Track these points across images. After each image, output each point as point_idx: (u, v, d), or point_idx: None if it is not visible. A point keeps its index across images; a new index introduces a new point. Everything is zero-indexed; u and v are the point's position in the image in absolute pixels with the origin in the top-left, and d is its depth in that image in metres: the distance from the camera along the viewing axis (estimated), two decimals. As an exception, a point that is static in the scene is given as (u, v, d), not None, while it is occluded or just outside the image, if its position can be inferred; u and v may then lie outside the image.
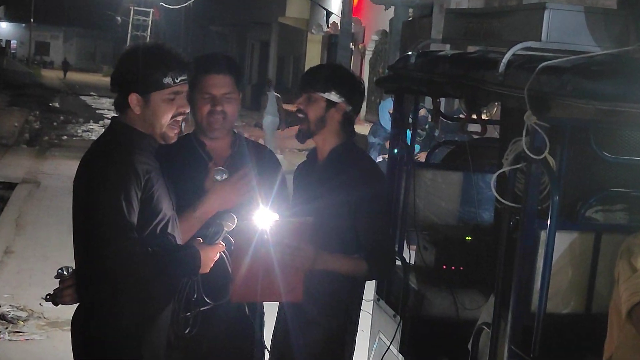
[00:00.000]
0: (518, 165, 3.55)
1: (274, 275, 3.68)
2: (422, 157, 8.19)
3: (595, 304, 3.59)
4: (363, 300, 4.21)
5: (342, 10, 20.27)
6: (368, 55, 25.20)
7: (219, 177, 3.89)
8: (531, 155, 3.33)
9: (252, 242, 3.63)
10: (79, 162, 3.47)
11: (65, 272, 3.60)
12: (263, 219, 3.67)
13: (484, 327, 3.88)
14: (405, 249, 5.01)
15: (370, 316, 5.15)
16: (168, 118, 3.49)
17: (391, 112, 9.28)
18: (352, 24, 20.67)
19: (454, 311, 4.62)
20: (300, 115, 4.01)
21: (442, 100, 12.45)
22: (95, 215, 3.30)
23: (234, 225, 3.56)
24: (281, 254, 3.67)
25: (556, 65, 3.23)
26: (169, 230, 3.53)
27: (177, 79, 3.47)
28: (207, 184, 3.86)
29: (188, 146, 4.02)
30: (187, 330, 3.67)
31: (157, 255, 3.35)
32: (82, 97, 40.03)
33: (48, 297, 3.63)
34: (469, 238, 4.75)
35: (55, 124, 26.56)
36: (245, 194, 3.75)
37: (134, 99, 3.45)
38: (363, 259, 3.90)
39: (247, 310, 3.88)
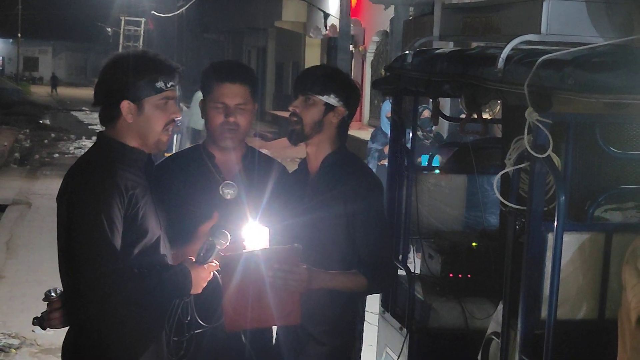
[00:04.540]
0: (521, 165, 3.44)
1: (267, 301, 3.51)
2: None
3: (608, 310, 3.48)
4: (370, 313, 4.04)
5: (341, 12, 19.87)
6: (369, 57, 24.87)
7: (227, 192, 3.75)
8: (534, 153, 3.23)
9: (240, 268, 3.46)
10: (64, 179, 3.32)
11: (53, 294, 3.43)
12: (253, 236, 3.51)
13: (494, 337, 3.77)
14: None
15: (377, 329, 4.98)
16: (162, 125, 3.37)
17: (389, 115, 9.18)
18: (352, 25, 20.35)
19: (462, 321, 4.49)
20: (294, 118, 3.77)
21: (448, 100, 12.42)
22: (76, 234, 3.18)
23: (227, 243, 3.39)
24: (273, 279, 3.48)
25: (556, 59, 3.14)
26: (160, 249, 3.38)
27: (168, 84, 3.37)
28: (215, 199, 3.71)
29: (197, 158, 3.88)
30: (181, 355, 3.51)
31: (144, 275, 3.22)
32: (74, 113, 39.29)
33: (35, 320, 3.46)
34: (476, 244, 4.62)
35: (46, 141, 26.17)
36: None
37: (125, 106, 3.32)
38: (361, 274, 3.71)
39: (243, 338, 3.71)
